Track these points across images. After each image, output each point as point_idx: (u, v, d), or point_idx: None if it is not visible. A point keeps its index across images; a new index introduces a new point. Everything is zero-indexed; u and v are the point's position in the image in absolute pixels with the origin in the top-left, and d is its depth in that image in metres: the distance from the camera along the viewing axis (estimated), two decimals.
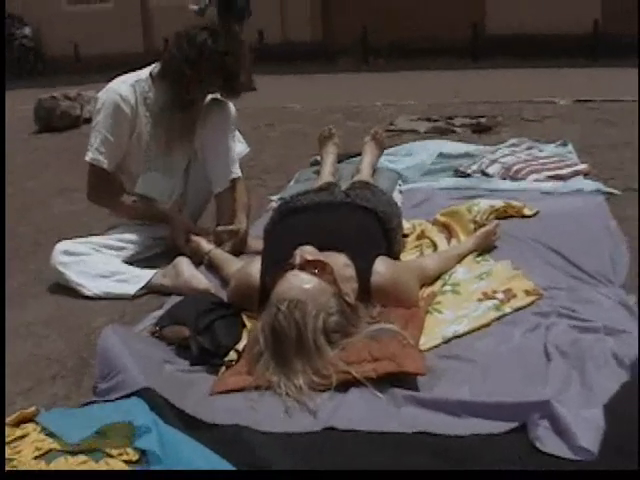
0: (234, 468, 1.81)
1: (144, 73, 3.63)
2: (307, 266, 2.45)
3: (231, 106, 3.73)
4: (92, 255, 3.41)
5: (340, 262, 2.59)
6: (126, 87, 3.55)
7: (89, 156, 3.55)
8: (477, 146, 5.28)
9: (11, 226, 4.55)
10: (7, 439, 1.91)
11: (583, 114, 6.99)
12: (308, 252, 2.52)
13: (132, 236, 3.61)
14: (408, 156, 4.94)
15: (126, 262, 3.48)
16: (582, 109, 7.28)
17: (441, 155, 4.93)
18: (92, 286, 3.29)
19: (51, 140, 7.82)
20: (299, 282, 2.40)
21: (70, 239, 3.50)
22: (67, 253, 3.38)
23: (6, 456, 1.80)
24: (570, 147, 5.10)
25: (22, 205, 5.10)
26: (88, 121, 7.81)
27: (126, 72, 3.68)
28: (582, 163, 4.66)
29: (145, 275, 3.30)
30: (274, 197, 4.39)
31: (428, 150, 5.04)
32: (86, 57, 15.45)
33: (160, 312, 2.86)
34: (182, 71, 3.42)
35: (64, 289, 3.36)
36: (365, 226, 2.96)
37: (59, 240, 3.48)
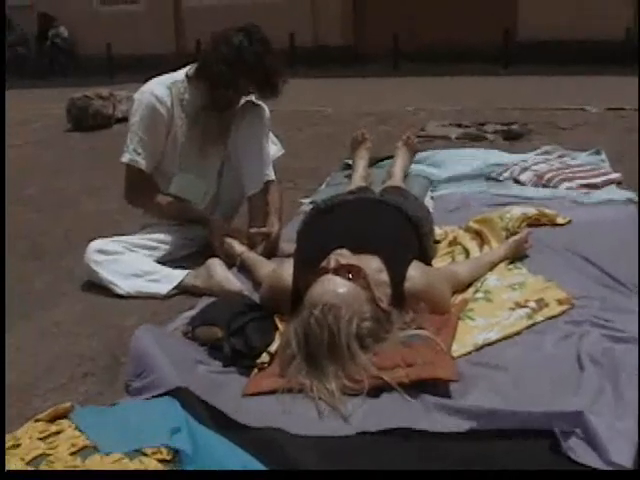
0: (266, 469, 1.81)
1: (180, 74, 3.66)
2: (341, 270, 2.45)
3: (265, 108, 3.75)
4: (125, 254, 3.44)
5: (374, 266, 2.59)
6: (162, 88, 3.57)
7: (126, 157, 3.58)
8: (509, 154, 5.25)
9: (42, 224, 4.60)
10: (42, 435, 1.94)
11: (615, 122, 6.95)
12: (342, 256, 2.52)
13: (165, 236, 3.63)
14: (438, 162, 4.94)
15: (159, 262, 3.50)
16: (614, 117, 7.23)
17: (474, 162, 4.92)
18: (124, 285, 3.31)
19: (83, 139, 7.88)
20: (333, 286, 2.40)
21: (102, 238, 3.52)
22: (101, 252, 3.40)
23: (43, 451, 1.82)
24: (603, 155, 5.05)
25: (53, 204, 5.14)
26: (120, 120, 7.91)
27: (159, 73, 3.71)
28: (615, 172, 4.63)
29: (177, 275, 3.32)
30: (305, 200, 4.41)
31: (459, 157, 5.04)
32: (118, 57, 15.54)
33: (192, 313, 2.87)
34: (219, 72, 3.44)
35: (96, 287, 3.39)
36: (399, 229, 2.94)
37: (90, 239, 3.50)
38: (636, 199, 4.08)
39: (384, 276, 2.60)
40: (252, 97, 3.68)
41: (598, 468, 1.80)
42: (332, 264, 2.47)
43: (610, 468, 1.79)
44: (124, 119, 6.06)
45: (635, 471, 1.75)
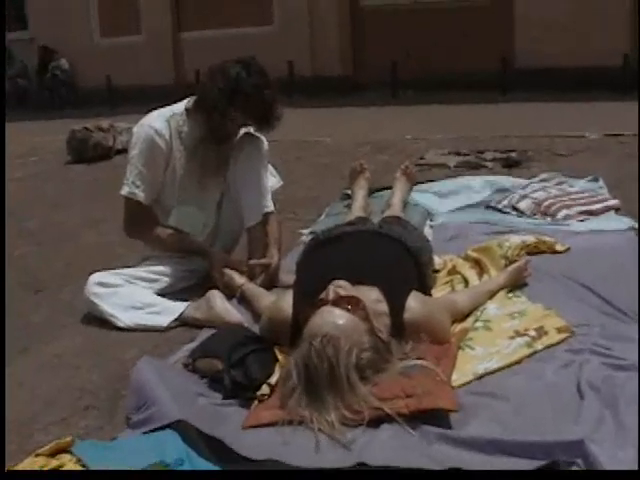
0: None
1: (179, 107, 3.68)
2: (340, 302, 2.47)
3: (264, 140, 3.77)
4: (125, 287, 3.44)
5: (373, 297, 2.60)
6: (161, 121, 3.59)
7: (125, 190, 3.60)
8: (507, 180, 5.27)
9: (42, 257, 4.60)
10: (43, 469, 1.93)
11: (614, 148, 6.95)
12: (341, 287, 2.53)
13: (165, 268, 3.63)
14: (437, 191, 4.98)
15: (159, 294, 3.50)
16: (613, 143, 7.23)
17: (472, 191, 4.94)
18: (125, 317, 3.32)
19: (83, 171, 7.89)
20: (332, 318, 2.41)
21: (102, 270, 3.53)
22: (101, 284, 3.41)
23: None
24: (601, 182, 5.07)
25: (53, 237, 5.14)
26: (120, 152, 7.92)
27: (160, 105, 3.74)
28: (613, 198, 4.64)
29: (178, 307, 3.33)
30: (305, 231, 4.41)
31: (459, 186, 5.08)
32: (119, 88, 15.59)
33: (193, 345, 2.88)
34: (217, 105, 3.46)
35: (96, 320, 3.39)
36: (397, 260, 2.96)
37: (90, 272, 3.51)
38: (635, 225, 4.09)
39: (383, 307, 2.61)
40: (250, 129, 3.70)
41: None
42: (331, 295, 2.48)
43: None
44: (124, 150, 6.07)
45: (635, 471, 1.75)
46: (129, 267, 3.62)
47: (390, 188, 4.62)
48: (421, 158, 6.72)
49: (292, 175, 6.02)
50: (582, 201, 4.50)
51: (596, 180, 5.13)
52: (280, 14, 14.60)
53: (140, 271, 3.58)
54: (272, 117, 3.54)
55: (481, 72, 12.69)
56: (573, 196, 4.59)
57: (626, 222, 4.15)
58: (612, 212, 4.40)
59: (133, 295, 3.40)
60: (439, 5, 13.69)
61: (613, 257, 3.55)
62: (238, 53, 3.64)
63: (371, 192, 4.74)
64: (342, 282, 2.56)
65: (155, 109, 3.72)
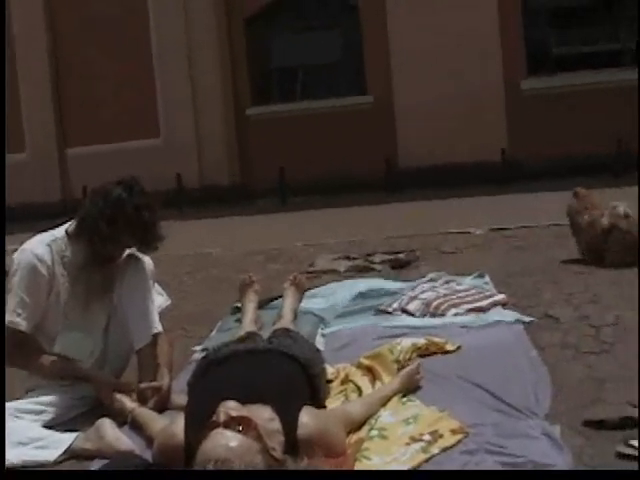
0: None
1: (60, 231, 3.64)
2: (231, 423, 2.43)
3: (148, 260, 3.75)
4: (9, 422, 3.29)
5: (265, 416, 2.57)
6: (42, 247, 3.54)
7: (6, 319, 3.49)
8: (396, 282, 5.35)
9: None
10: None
11: (498, 242, 7.16)
12: (231, 408, 2.49)
13: (52, 398, 3.49)
14: (326, 297, 4.99)
15: (46, 426, 3.35)
16: (497, 238, 7.44)
17: (361, 295, 4.98)
18: (9, 456, 3.12)
19: None
20: (224, 440, 2.37)
21: None
22: None
23: None
24: (487, 278, 5.22)
25: None
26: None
27: (46, 224, 3.69)
28: (500, 293, 4.76)
29: (66, 439, 3.18)
30: (197, 348, 4.36)
31: (347, 289, 5.11)
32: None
33: None
34: (98, 228, 3.44)
35: None
36: (289, 376, 2.96)
37: None
38: (523, 319, 4.19)
39: (276, 424, 2.58)
40: (134, 249, 3.68)
41: None
42: (221, 417, 2.44)
43: None
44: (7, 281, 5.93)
45: (635, 471, 1.75)
46: (13, 400, 3.48)
47: (282, 297, 4.63)
48: (311, 265, 6.76)
49: (183, 290, 5.99)
50: (469, 298, 4.60)
51: (482, 276, 5.27)
52: (166, 126, 14.72)
53: (25, 403, 3.43)
54: (154, 238, 3.53)
55: (366, 174, 13.01)
56: (461, 294, 4.69)
57: (514, 316, 4.24)
58: (499, 307, 4.50)
59: (18, 430, 3.22)
60: (322, 110, 14.07)
61: (503, 353, 3.63)
62: (125, 167, 3.64)
63: (263, 303, 4.76)
64: (232, 403, 2.53)
65: (44, 230, 3.67)
